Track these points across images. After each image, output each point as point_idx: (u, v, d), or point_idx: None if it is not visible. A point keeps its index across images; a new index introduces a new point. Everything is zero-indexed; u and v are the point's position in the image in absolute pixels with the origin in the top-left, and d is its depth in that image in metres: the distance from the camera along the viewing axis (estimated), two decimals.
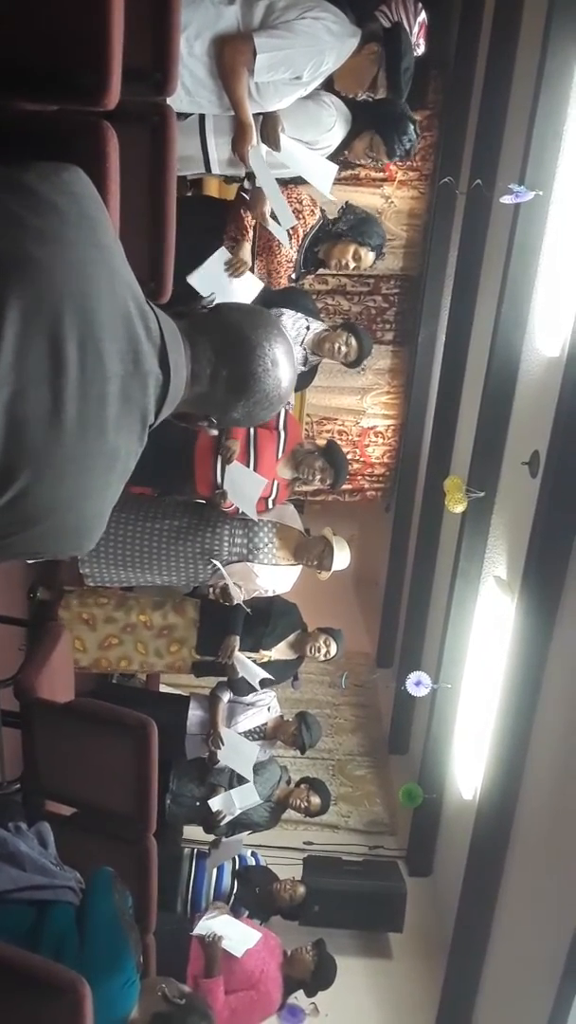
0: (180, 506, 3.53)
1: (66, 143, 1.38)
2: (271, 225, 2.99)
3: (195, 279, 2.90)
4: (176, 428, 1.37)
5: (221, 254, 2.98)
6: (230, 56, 2.58)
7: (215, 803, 3.57)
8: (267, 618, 3.55)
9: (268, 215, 2.96)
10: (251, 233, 3.08)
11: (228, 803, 3.58)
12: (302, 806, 3.75)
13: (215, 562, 3.39)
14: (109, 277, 1.15)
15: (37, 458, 1.08)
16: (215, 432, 3.19)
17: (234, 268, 3.00)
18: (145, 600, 3.60)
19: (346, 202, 3.40)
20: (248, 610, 3.46)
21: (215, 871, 3.82)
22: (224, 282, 2.99)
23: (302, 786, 3.81)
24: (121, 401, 1.14)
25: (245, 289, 3.05)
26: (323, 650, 3.60)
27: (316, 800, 3.74)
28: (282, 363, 1.29)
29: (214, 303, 1.32)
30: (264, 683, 3.50)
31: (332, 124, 2.98)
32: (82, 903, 1.85)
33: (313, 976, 3.49)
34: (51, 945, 1.73)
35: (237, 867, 3.90)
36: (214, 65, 2.61)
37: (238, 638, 3.45)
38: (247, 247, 3.10)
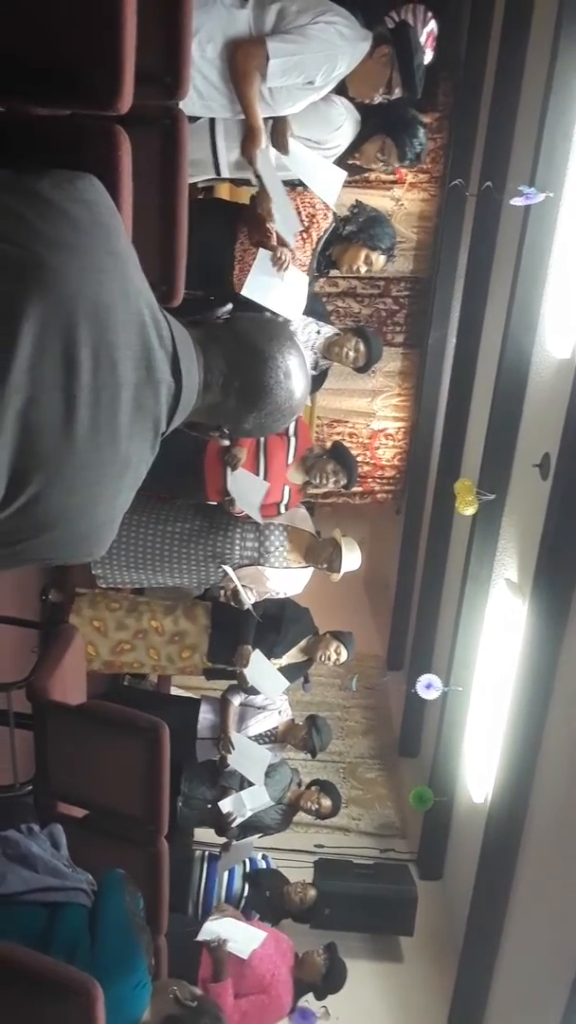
0: (191, 509, 3.53)
1: (78, 147, 1.38)
2: (277, 224, 2.98)
3: (248, 290, 2.92)
4: (188, 436, 1.37)
5: (264, 256, 2.97)
6: (243, 60, 2.57)
7: (226, 804, 3.56)
8: (279, 624, 3.54)
9: (275, 214, 2.95)
10: (274, 236, 3.07)
11: (239, 804, 3.58)
12: (313, 808, 3.75)
13: (225, 568, 3.39)
14: (123, 284, 1.15)
15: (49, 464, 1.08)
16: (227, 442, 3.19)
17: (279, 262, 2.98)
18: (156, 605, 3.60)
19: (356, 200, 3.38)
20: (259, 617, 3.45)
21: (226, 874, 3.81)
22: (276, 282, 2.99)
23: (313, 788, 3.80)
24: (134, 409, 1.14)
25: (296, 285, 3.05)
26: (333, 657, 3.59)
27: (327, 802, 3.74)
28: (295, 375, 1.29)
29: (229, 314, 1.32)
30: None
31: (341, 123, 2.97)
32: (94, 905, 1.85)
33: (324, 979, 3.49)
34: (63, 947, 1.73)
35: (248, 870, 3.90)
36: (226, 69, 2.60)
37: (250, 647, 3.44)
38: (275, 243, 3.09)
